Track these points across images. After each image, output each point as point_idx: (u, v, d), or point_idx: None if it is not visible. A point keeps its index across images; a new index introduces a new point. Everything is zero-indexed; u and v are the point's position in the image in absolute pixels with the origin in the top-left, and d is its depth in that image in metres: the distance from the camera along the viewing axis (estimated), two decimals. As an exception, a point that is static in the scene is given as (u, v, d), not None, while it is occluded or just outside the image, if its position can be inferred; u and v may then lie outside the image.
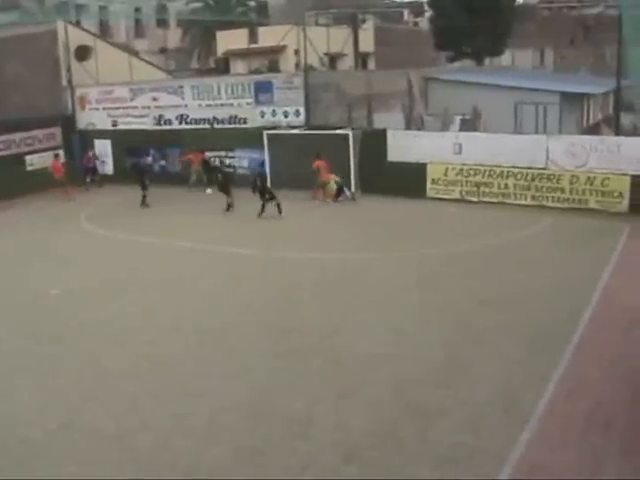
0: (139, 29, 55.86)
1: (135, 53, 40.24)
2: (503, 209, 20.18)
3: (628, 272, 14.09)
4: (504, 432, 8.14)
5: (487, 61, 48.56)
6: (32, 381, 10.25)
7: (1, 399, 9.79)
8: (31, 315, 13.25)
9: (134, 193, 23.46)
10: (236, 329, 11.97)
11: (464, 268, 14.90)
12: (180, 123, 27.16)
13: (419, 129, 27.83)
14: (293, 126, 24.57)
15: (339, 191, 22.32)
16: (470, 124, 28.70)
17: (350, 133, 22.79)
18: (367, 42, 43.41)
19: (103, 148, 28.88)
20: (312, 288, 14.00)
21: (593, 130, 30.78)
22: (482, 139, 21.83)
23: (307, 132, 23.66)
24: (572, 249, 15.97)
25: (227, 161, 25.57)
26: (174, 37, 54.86)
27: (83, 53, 31.12)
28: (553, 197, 20.13)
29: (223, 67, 44.73)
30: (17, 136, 26.80)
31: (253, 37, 41.75)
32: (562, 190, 19.97)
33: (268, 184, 21.43)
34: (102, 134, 28.92)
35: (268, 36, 38.61)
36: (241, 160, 25.34)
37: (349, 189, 22.65)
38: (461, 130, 27.08)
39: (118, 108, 28.61)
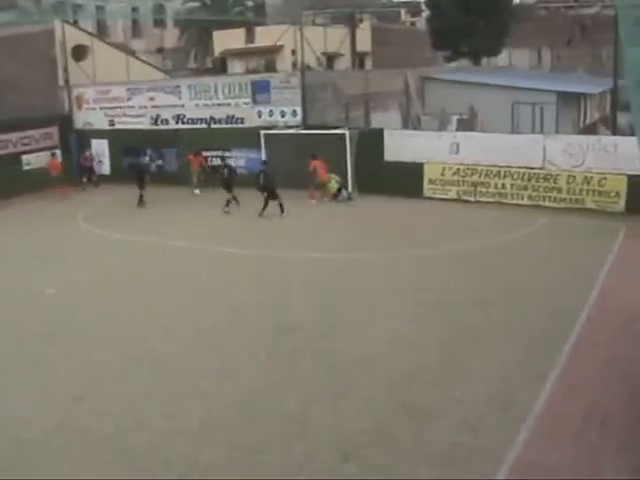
0: (136, 29, 55.91)
1: (132, 53, 40.28)
2: (500, 209, 20.17)
3: (625, 272, 14.08)
4: (501, 431, 8.13)
5: (484, 61, 48.63)
6: (26, 381, 10.22)
7: (-4, 399, 9.76)
8: (27, 314, 13.20)
9: (131, 193, 23.42)
10: (231, 329, 11.95)
11: (460, 268, 14.88)
12: (177, 123, 27.13)
13: (416, 129, 27.87)
14: (290, 126, 24.55)
15: (338, 190, 22.32)
16: (467, 124, 28.73)
17: (347, 133, 22.78)
18: (364, 42, 43.40)
19: (100, 148, 28.85)
20: (307, 288, 13.97)
21: (590, 130, 30.81)
22: (479, 139, 21.82)
23: (304, 132, 23.66)
24: (569, 249, 15.96)
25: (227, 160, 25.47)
26: (171, 37, 54.88)
27: (80, 53, 31.12)
28: (550, 197, 20.12)
29: (220, 67, 44.70)
30: (14, 136, 26.74)
31: (250, 37, 41.75)
32: (559, 190, 19.97)
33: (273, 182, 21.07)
34: (99, 134, 28.89)
35: (265, 36, 38.61)
36: (238, 160, 25.28)
37: (346, 189, 22.64)
38: (458, 130, 27.11)
39: (115, 108, 28.57)
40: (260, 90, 25.28)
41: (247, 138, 24.73)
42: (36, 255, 17.61)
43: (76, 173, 27.91)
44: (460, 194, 21.44)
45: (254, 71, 36.92)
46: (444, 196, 21.65)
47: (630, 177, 18.83)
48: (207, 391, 9.56)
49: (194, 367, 10.40)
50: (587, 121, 33.02)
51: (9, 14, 38.65)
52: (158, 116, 27.52)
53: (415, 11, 65.46)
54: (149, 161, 27.35)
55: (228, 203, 21.37)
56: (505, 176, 20.67)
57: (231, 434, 8.40)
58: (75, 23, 39.09)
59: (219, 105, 26.14)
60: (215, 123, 26.16)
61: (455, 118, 29.10)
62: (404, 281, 14.16)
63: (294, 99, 24.72)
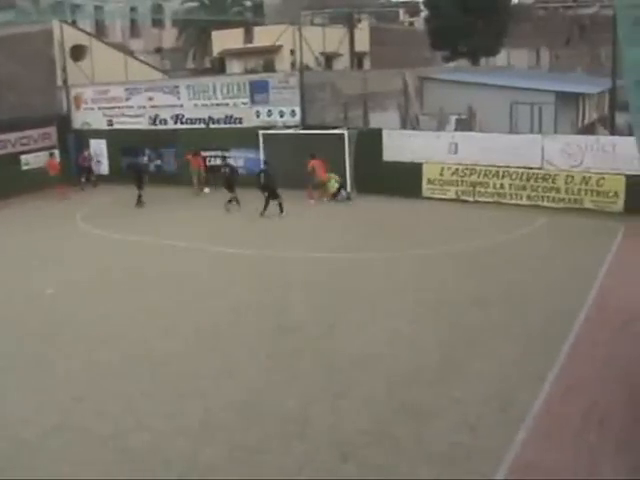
0: (134, 29, 55.87)
1: (130, 53, 40.28)
2: (499, 209, 20.20)
3: (623, 272, 14.10)
4: (500, 431, 8.15)
5: (483, 61, 48.66)
6: (26, 381, 10.23)
7: (-5, 399, 9.77)
8: (26, 314, 13.21)
9: (129, 193, 23.42)
10: (231, 329, 11.96)
11: (459, 268, 14.90)
12: (176, 123, 27.12)
13: (415, 129, 27.89)
14: (289, 126, 24.55)
15: (338, 190, 22.33)
16: (465, 124, 28.74)
17: (346, 133, 22.79)
18: (363, 42, 43.44)
19: (98, 148, 28.85)
20: (307, 288, 13.99)
21: (588, 130, 30.84)
22: (478, 139, 21.84)
23: (303, 132, 23.67)
24: (567, 249, 15.99)
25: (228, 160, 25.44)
26: (169, 37, 54.85)
27: (78, 53, 31.10)
28: (548, 197, 20.15)
29: (219, 67, 44.70)
30: (12, 136, 26.73)
31: (249, 37, 41.77)
32: (557, 190, 19.99)
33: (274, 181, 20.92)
34: (97, 134, 28.88)
35: (264, 36, 38.60)
36: (237, 160, 25.26)
37: (345, 189, 22.65)
38: (456, 130, 27.12)
39: (113, 108, 28.56)
40: (259, 90, 25.29)
41: (246, 138, 24.73)
42: (35, 255, 17.60)
43: (74, 173, 27.91)
44: (459, 194, 21.46)
45: (252, 71, 36.90)
46: (443, 196, 21.67)
47: (628, 177, 18.85)
48: (207, 391, 9.57)
49: (194, 367, 10.41)
50: (585, 121, 33.05)
51: (7, 14, 38.66)
52: (156, 116, 27.52)
53: (413, 11, 65.44)
54: (148, 161, 27.37)
55: (230, 201, 21.47)
56: (504, 176, 20.70)
57: (231, 434, 8.42)
58: (73, 23, 39.08)
59: (218, 105, 26.14)
60: (214, 123, 26.16)
61: (454, 118, 29.11)
62: (403, 281, 14.17)
63: (293, 99, 24.73)
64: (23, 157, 27.06)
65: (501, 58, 51.52)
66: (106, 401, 9.43)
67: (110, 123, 28.72)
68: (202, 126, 26.35)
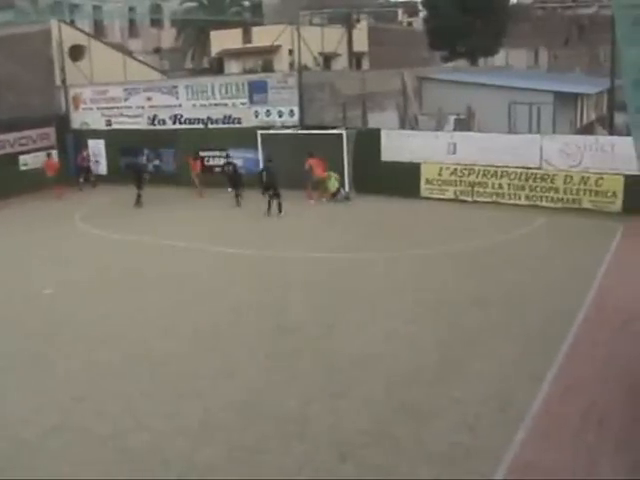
0: (133, 29, 55.83)
1: (129, 53, 40.26)
2: (497, 209, 20.22)
3: (622, 272, 14.12)
4: (499, 431, 8.16)
5: (481, 61, 48.72)
6: (26, 381, 10.22)
7: (-5, 399, 9.78)
8: (26, 314, 13.20)
9: (128, 193, 23.42)
10: (231, 329, 11.97)
11: (458, 268, 14.91)
12: (174, 123, 27.12)
13: (413, 129, 27.92)
14: (287, 126, 24.57)
15: (338, 189, 22.34)
16: (464, 124, 28.77)
17: (344, 133, 22.81)
18: (361, 42, 43.48)
19: (97, 148, 28.84)
20: (307, 288, 13.99)
21: (587, 130, 30.89)
22: (476, 139, 21.86)
23: (301, 132, 23.68)
24: (566, 249, 16.01)
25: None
26: (168, 37, 54.84)
27: (77, 53, 31.09)
28: (547, 197, 20.17)
29: (217, 67, 44.71)
30: (11, 136, 26.73)
31: (247, 37, 41.78)
32: (556, 190, 20.02)
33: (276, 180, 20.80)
34: (96, 134, 28.87)
35: (262, 36, 38.62)
36: (236, 160, 25.20)
37: (344, 189, 22.66)
38: (455, 130, 27.14)
39: (112, 108, 28.55)
40: (257, 90, 25.29)
41: (244, 138, 24.73)
42: (34, 255, 17.62)
43: (73, 173, 27.89)
44: (457, 194, 21.47)
45: (251, 71, 36.91)
46: (441, 196, 21.68)
47: (627, 177, 18.86)
48: (206, 391, 9.58)
49: (194, 367, 10.42)
50: (584, 121, 33.11)
51: (6, 14, 38.68)
52: (155, 116, 27.52)
53: (412, 11, 65.49)
54: (146, 161, 27.36)
55: (237, 195, 21.75)
56: (502, 176, 20.72)
57: (230, 434, 8.42)
58: (72, 23, 39.06)
59: (216, 105, 26.14)
60: (212, 123, 26.16)
61: (452, 118, 29.14)
62: (403, 281, 14.18)
63: (291, 99, 24.74)
64: (22, 157, 27.05)
65: (500, 58, 51.59)
66: (106, 401, 9.44)
67: (109, 123, 28.72)
68: (201, 126, 26.36)
